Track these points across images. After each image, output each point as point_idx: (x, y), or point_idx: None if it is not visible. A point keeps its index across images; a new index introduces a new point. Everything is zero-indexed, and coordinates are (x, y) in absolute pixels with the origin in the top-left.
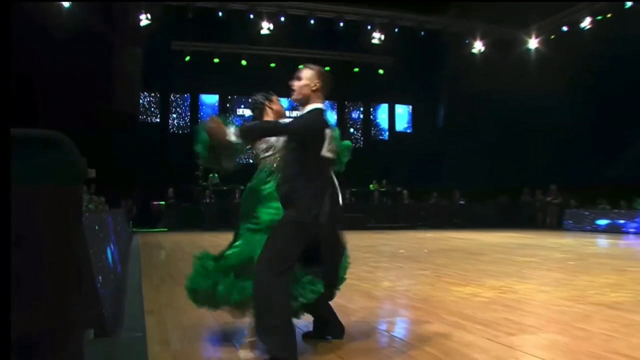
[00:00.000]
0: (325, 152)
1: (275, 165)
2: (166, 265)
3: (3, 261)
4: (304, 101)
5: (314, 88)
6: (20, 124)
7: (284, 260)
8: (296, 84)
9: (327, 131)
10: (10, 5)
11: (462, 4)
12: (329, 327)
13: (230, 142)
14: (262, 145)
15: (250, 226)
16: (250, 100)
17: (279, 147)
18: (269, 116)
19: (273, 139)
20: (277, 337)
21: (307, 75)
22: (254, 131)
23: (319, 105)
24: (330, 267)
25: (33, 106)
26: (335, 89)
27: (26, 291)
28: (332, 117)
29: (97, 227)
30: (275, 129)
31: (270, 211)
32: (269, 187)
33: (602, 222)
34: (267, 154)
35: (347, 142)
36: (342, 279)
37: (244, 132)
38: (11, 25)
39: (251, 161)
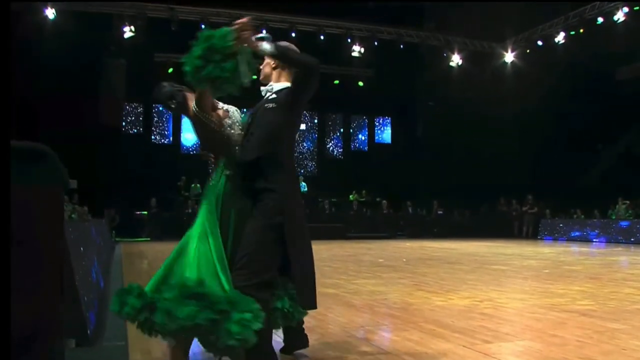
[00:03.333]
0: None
1: None
2: (148, 274)
3: (3, 262)
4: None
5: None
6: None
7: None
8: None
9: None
10: (8, 11)
11: (440, 18)
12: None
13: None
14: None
15: None
16: (162, 92)
17: None
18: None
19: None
20: None
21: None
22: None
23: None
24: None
25: (15, 118)
26: (315, 100)
27: (14, 293)
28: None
29: (80, 237)
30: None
31: None
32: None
33: (577, 232)
34: None
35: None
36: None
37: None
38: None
39: None
